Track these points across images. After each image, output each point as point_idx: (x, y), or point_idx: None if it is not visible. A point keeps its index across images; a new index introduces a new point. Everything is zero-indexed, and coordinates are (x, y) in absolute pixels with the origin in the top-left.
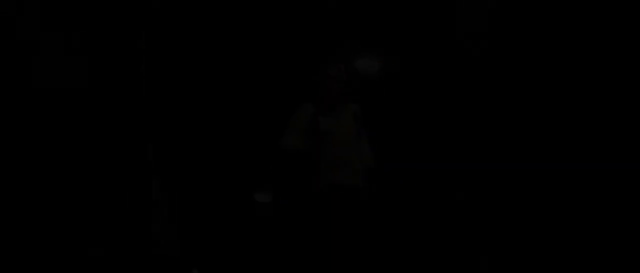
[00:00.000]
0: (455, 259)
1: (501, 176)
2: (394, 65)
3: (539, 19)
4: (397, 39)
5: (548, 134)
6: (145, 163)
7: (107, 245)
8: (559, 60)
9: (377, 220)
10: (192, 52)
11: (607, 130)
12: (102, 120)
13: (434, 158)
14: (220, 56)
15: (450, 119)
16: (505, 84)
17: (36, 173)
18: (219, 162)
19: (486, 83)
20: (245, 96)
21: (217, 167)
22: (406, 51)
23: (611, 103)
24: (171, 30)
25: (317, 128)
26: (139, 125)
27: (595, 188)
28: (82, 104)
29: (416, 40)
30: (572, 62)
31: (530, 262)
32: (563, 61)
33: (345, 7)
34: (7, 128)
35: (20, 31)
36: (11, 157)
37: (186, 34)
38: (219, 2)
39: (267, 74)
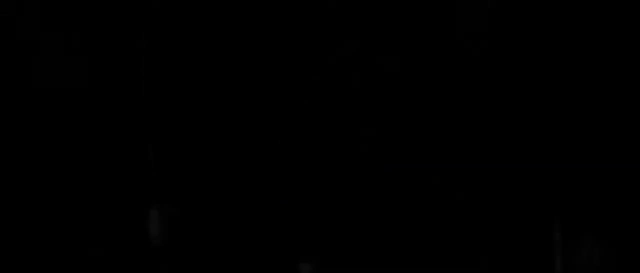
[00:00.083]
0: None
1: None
2: (394, 65)
3: (539, 19)
4: (397, 38)
5: (548, 134)
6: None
7: (107, 245)
8: (559, 60)
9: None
10: (192, 52)
11: (608, 130)
12: (102, 120)
13: (433, 158)
14: (219, 56)
15: (450, 118)
16: (506, 84)
17: (36, 173)
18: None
19: (486, 83)
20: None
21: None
22: (406, 51)
23: (611, 103)
24: (171, 30)
25: None
26: (139, 125)
27: (595, 188)
28: (82, 104)
29: (416, 40)
30: (573, 62)
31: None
32: (564, 61)
33: (345, 7)
34: (7, 128)
35: (20, 31)
36: (11, 157)
37: (186, 34)
38: (219, 2)
39: (267, 73)
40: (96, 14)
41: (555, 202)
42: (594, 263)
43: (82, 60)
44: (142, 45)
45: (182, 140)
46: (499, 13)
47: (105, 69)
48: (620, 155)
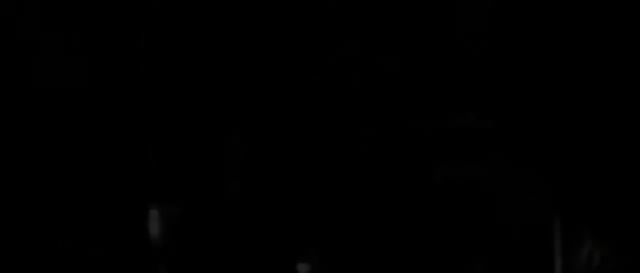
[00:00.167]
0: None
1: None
2: (394, 65)
3: (539, 19)
4: (397, 38)
5: (548, 134)
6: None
7: (107, 245)
8: (559, 60)
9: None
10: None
11: (607, 130)
12: (102, 120)
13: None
14: (219, 56)
15: (450, 118)
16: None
17: (36, 173)
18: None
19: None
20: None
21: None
22: (406, 51)
23: (611, 103)
24: (171, 30)
25: None
26: (139, 125)
27: (595, 188)
28: (82, 104)
29: (416, 40)
30: (573, 62)
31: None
32: (563, 61)
33: (345, 7)
34: (7, 128)
35: (20, 31)
36: (11, 156)
37: (186, 34)
38: (219, 2)
39: (267, 73)
40: (96, 14)
41: (555, 202)
42: (594, 263)
43: (82, 60)
44: (142, 45)
45: (182, 140)
46: (499, 13)
47: (105, 69)
48: (620, 155)
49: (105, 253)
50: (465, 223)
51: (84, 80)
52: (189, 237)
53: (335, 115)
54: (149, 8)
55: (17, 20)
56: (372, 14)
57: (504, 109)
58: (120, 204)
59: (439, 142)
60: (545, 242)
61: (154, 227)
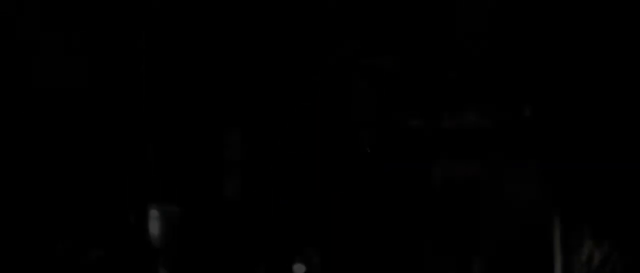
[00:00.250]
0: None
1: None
2: (394, 65)
3: (539, 19)
4: (397, 39)
5: (548, 134)
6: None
7: (107, 245)
8: (559, 60)
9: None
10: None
11: (607, 130)
12: (102, 120)
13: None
14: (219, 56)
15: (450, 118)
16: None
17: (36, 173)
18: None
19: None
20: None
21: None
22: (406, 51)
23: (611, 103)
24: (171, 30)
25: None
26: (139, 125)
27: (595, 188)
28: (82, 104)
29: (416, 40)
30: (573, 62)
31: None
32: (563, 61)
33: (345, 7)
34: (7, 128)
35: (20, 31)
36: (11, 157)
37: (186, 34)
38: (219, 2)
39: (267, 73)
40: (96, 14)
41: (555, 202)
42: (594, 263)
43: (82, 60)
44: (142, 45)
45: (182, 140)
46: (499, 13)
47: (105, 69)
48: (620, 155)
49: (105, 253)
50: (465, 223)
51: (84, 80)
52: (189, 237)
53: (335, 115)
54: (149, 8)
55: (17, 20)
56: (372, 14)
57: (504, 108)
58: (121, 204)
59: (439, 142)
60: (545, 242)
61: (154, 227)
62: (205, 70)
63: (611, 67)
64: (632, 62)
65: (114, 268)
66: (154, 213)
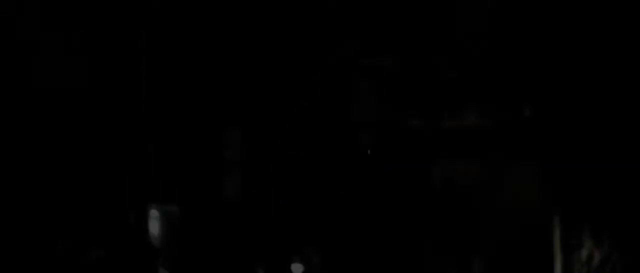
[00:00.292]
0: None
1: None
2: (394, 65)
3: (539, 19)
4: (397, 39)
5: (548, 134)
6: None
7: (107, 245)
8: (559, 60)
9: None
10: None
11: (607, 130)
12: (102, 120)
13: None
14: (219, 56)
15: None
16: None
17: (36, 173)
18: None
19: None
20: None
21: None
22: (406, 51)
23: (611, 102)
24: (171, 30)
25: None
26: (139, 125)
27: (595, 188)
28: (82, 104)
29: (416, 40)
30: (573, 62)
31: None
32: (563, 61)
33: (345, 7)
34: (7, 128)
35: (20, 31)
36: (11, 157)
37: (186, 34)
38: (219, 2)
39: (267, 73)
40: (96, 14)
41: (555, 202)
42: (594, 263)
43: (82, 60)
44: (142, 45)
45: (182, 139)
46: (499, 13)
47: (105, 69)
48: (620, 155)
49: (105, 253)
50: (465, 223)
51: (84, 80)
52: (189, 237)
53: (335, 115)
54: (149, 8)
55: (17, 20)
56: (372, 14)
57: (504, 108)
58: (121, 204)
59: (439, 142)
60: (545, 242)
61: (154, 227)
62: (205, 70)
63: (611, 67)
64: (632, 62)
65: (114, 268)
66: (154, 213)
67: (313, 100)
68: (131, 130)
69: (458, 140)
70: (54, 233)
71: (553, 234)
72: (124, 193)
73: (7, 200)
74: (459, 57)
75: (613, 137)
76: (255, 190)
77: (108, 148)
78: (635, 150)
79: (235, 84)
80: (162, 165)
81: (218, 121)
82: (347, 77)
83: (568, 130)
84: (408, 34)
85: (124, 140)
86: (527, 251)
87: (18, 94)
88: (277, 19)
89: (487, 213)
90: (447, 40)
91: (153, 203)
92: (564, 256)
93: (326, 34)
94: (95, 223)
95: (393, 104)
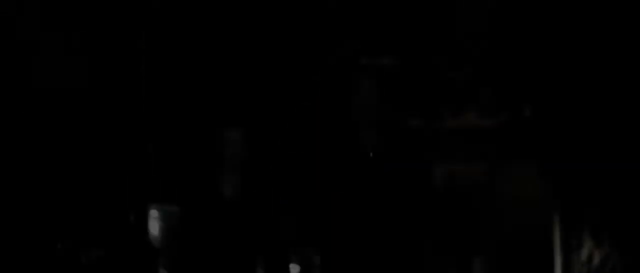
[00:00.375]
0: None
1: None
2: (394, 65)
3: (539, 19)
4: (397, 39)
5: (547, 134)
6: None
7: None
8: (559, 60)
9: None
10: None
11: (608, 130)
12: (102, 120)
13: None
14: (219, 56)
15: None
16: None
17: (36, 173)
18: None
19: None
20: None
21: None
22: (406, 51)
23: (611, 102)
24: (171, 30)
25: None
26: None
27: (595, 188)
28: (82, 104)
29: (416, 40)
30: (573, 62)
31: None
32: (563, 61)
33: (345, 7)
34: (7, 128)
35: (20, 31)
36: (11, 157)
37: (186, 34)
38: (219, 2)
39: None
40: (96, 14)
41: (555, 202)
42: (594, 263)
43: (82, 60)
44: (142, 45)
45: (182, 139)
46: (499, 13)
47: (105, 69)
48: (620, 155)
49: (105, 253)
50: (465, 223)
51: (84, 80)
52: (189, 237)
53: (336, 115)
54: (149, 8)
55: (17, 20)
56: (372, 14)
57: (504, 108)
58: (120, 204)
59: (439, 142)
60: (545, 242)
61: (154, 227)
62: (205, 71)
63: (611, 67)
64: (631, 62)
65: (114, 268)
66: (154, 213)
67: (313, 100)
68: (131, 130)
69: (458, 140)
70: (54, 233)
71: (553, 234)
72: (124, 193)
73: (7, 200)
74: (459, 57)
75: (613, 137)
76: (255, 190)
77: (108, 148)
78: (635, 150)
79: (235, 84)
80: (162, 165)
81: (218, 121)
82: (347, 77)
83: (568, 130)
84: (408, 34)
85: (123, 140)
86: (527, 251)
87: (18, 94)
88: (278, 19)
89: (487, 213)
90: (447, 40)
91: (153, 203)
92: (564, 256)
93: (326, 34)
94: (95, 223)
95: (393, 104)
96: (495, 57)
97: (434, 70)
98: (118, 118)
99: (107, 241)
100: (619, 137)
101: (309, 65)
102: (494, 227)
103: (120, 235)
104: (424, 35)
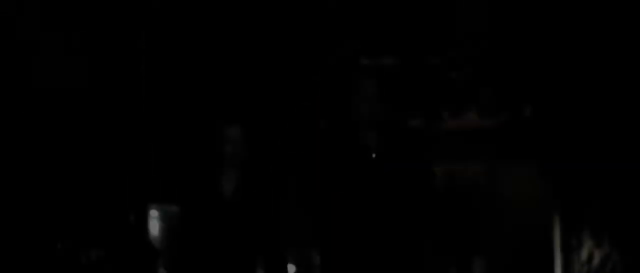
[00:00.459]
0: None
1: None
2: (394, 65)
3: (539, 19)
4: (397, 38)
5: (547, 134)
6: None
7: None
8: (559, 60)
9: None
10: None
11: (608, 130)
12: (102, 120)
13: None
14: (219, 56)
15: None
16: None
17: (36, 173)
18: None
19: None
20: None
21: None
22: (406, 51)
23: (611, 102)
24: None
25: None
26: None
27: (596, 188)
28: (82, 104)
29: (416, 40)
30: (573, 62)
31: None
32: (563, 61)
33: (345, 7)
34: (7, 128)
35: (20, 31)
36: (11, 156)
37: (186, 34)
38: (219, 3)
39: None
40: (96, 14)
41: (555, 202)
42: (594, 263)
43: (82, 60)
44: (142, 45)
45: (181, 139)
46: (499, 13)
47: (105, 69)
48: (620, 155)
49: (105, 253)
50: (465, 223)
51: (84, 80)
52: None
53: (335, 115)
54: (149, 8)
55: (17, 20)
56: (372, 14)
57: (504, 108)
58: (120, 204)
59: (439, 142)
60: (546, 242)
61: (154, 227)
62: (205, 71)
63: (611, 67)
64: (631, 62)
65: (114, 268)
66: (154, 213)
67: (313, 100)
68: (131, 130)
69: (458, 140)
70: (54, 233)
71: (553, 234)
72: (124, 193)
73: (7, 200)
74: (459, 57)
75: (613, 137)
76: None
77: (108, 148)
78: (635, 150)
79: (235, 85)
80: (161, 165)
81: (218, 121)
82: (347, 77)
83: (568, 130)
84: (408, 34)
85: (123, 140)
86: (527, 251)
87: (18, 94)
88: (278, 19)
89: (487, 213)
90: (447, 40)
91: (153, 203)
92: (564, 256)
93: (326, 34)
94: (95, 223)
95: (393, 104)
96: (495, 57)
97: (434, 70)
98: (118, 118)
99: (107, 241)
100: (618, 137)
101: (309, 65)
102: (494, 227)
103: (120, 235)
104: (424, 35)
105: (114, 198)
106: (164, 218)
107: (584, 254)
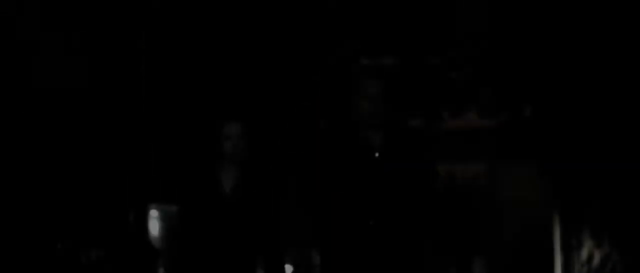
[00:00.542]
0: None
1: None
2: (393, 65)
3: (539, 20)
4: (397, 38)
5: (547, 134)
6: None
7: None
8: (559, 60)
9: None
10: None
11: (608, 130)
12: (102, 120)
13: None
14: (220, 56)
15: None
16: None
17: (36, 173)
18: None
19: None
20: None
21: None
22: (406, 51)
23: (611, 102)
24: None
25: None
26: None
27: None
28: (82, 104)
29: (416, 40)
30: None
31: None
32: (563, 61)
33: (345, 7)
34: (7, 128)
35: (20, 31)
36: (11, 156)
37: (186, 35)
38: (219, 3)
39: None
40: (96, 14)
41: (555, 202)
42: (594, 263)
43: (82, 60)
44: (142, 45)
45: (181, 139)
46: (499, 13)
47: (105, 69)
48: (619, 155)
49: (105, 253)
50: (465, 223)
51: (84, 80)
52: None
53: (335, 114)
54: (149, 8)
55: (17, 20)
56: (372, 14)
57: (504, 108)
58: (120, 204)
59: (439, 142)
60: (546, 242)
61: (154, 227)
62: (205, 71)
63: (611, 67)
64: (631, 62)
65: (114, 268)
66: (154, 213)
67: (313, 100)
68: (131, 130)
69: (458, 140)
70: (54, 233)
71: (553, 234)
72: (124, 193)
73: (7, 200)
74: (459, 57)
75: (613, 137)
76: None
77: (108, 148)
78: (635, 150)
79: (235, 85)
80: (161, 165)
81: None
82: (347, 77)
83: (568, 130)
84: (408, 34)
85: (123, 140)
86: (527, 251)
87: (18, 94)
88: (278, 19)
89: (487, 213)
90: (447, 40)
91: (153, 203)
92: (564, 256)
93: (326, 34)
94: (95, 223)
95: (393, 104)
96: (495, 57)
97: (434, 70)
98: (118, 118)
99: (107, 241)
100: (618, 137)
101: (309, 65)
102: (494, 227)
103: (120, 235)
104: (424, 35)
105: (114, 198)
106: (164, 218)
107: (584, 254)
